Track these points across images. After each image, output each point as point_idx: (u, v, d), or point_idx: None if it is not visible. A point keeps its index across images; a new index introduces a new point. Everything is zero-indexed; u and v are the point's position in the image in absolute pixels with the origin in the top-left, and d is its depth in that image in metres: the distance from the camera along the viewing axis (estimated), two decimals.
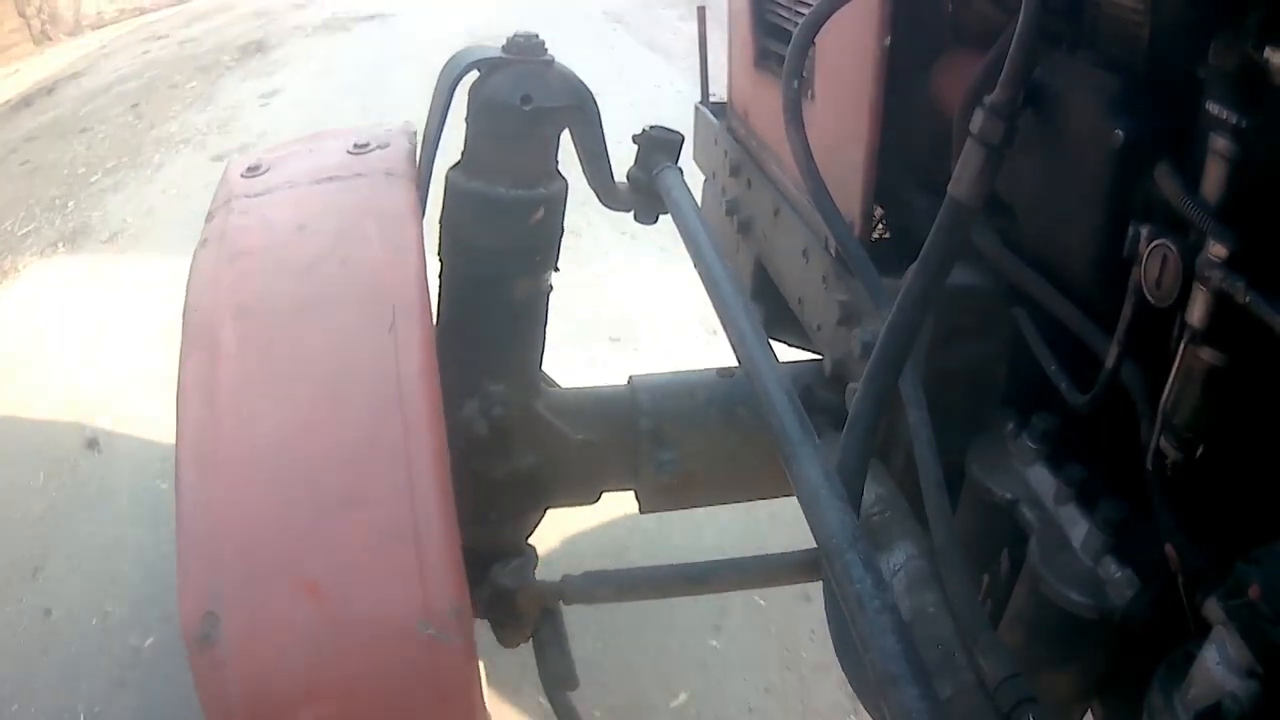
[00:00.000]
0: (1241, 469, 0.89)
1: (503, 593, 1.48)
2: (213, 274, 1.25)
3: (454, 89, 1.48)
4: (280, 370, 1.15)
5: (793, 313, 1.71)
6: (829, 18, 1.31)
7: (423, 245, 1.28)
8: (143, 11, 10.76)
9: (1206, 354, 0.83)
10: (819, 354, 1.62)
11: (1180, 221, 0.86)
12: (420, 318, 1.18)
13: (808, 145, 1.36)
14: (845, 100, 1.43)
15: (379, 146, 1.46)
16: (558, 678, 1.53)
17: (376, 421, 1.10)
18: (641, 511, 1.76)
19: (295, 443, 1.10)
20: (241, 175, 1.46)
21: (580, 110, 1.51)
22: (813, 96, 1.56)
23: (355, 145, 1.46)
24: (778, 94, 1.40)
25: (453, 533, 1.07)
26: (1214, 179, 0.82)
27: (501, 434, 1.53)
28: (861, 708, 1.09)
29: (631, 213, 1.71)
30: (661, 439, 1.65)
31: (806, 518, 0.90)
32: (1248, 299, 0.77)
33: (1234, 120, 0.79)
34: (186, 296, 1.22)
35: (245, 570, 1.03)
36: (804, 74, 1.51)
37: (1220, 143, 0.81)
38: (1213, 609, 0.76)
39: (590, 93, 1.52)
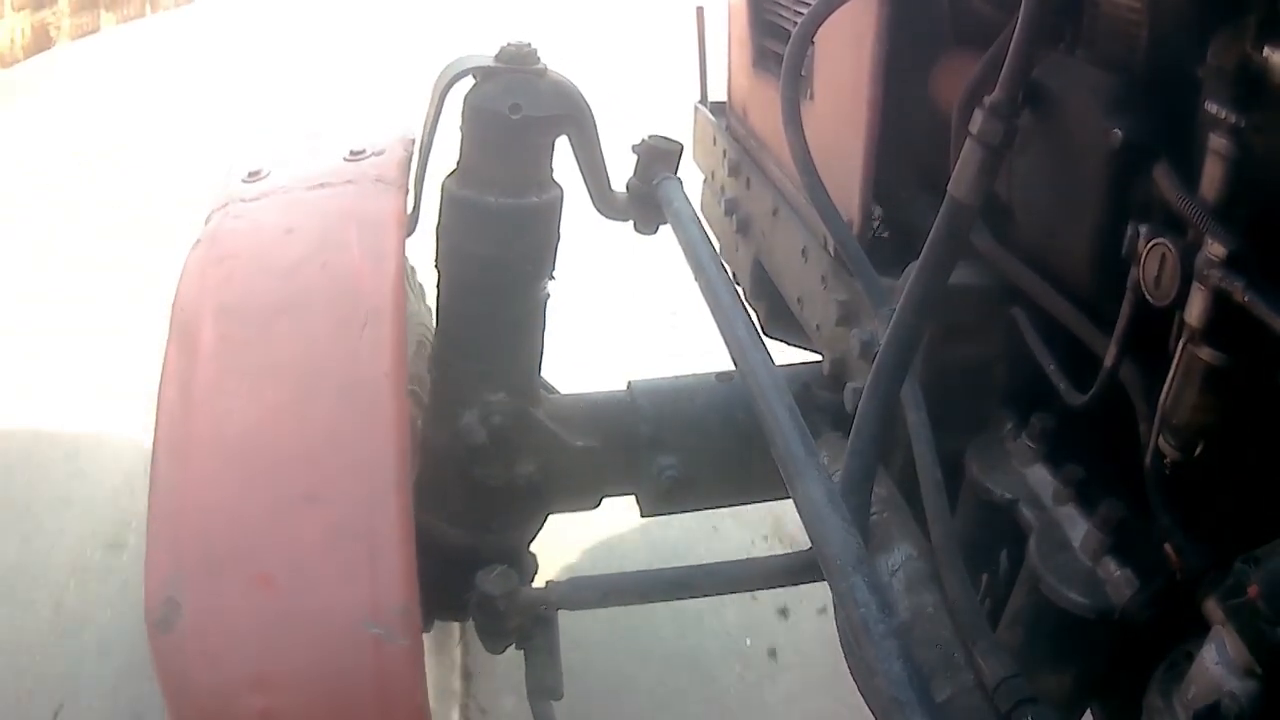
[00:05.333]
0: (1241, 468, 0.89)
1: (486, 599, 1.48)
2: (200, 274, 1.28)
3: (445, 97, 1.49)
4: (254, 369, 1.18)
5: (792, 312, 1.71)
6: (828, 17, 1.31)
7: (402, 251, 1.30)
8: None
9: (1205, 353, 0.83)
10: (818, 353, 1.62)
11: (1179, 220, 0.86)
12: (392, 322, 1.20)
13: (806, 145, 1.36)
14: (844, 100, 1.43)
15: (374, 154, 1.47)
16: (543, 687, 1.53)
17: (340, 421, 1.13)
18: (642, 516, 1.76)
19: (262, 439, 1.13)
20: (242, 180, 1.48)
21: (574, 119, 1.51)
22: (811, 96, 1.56)
23: (352, 152, 1.48)
24: (776, 93, 1.40)
25: (407, 534, 1.09)
26: (1212, 178, 0.82)
27: (501, 442, 1.54)
28: None
29: (630, 223, 1.70)
30: (661, 444, 1.65)
31: (810, 538, 0.89)
32: (1246, 298, 0.76)
33: (1232, 119, 0.79)
34: (175, 294, 1.25)
35: (206, 560, 1.06)
36: (803, 73, 1.51)
37: (1219, 142, 0.81)
38: (1212, 608, 0.76)
39: (586, 102, 1.52)
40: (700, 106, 2.27)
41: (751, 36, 1.90)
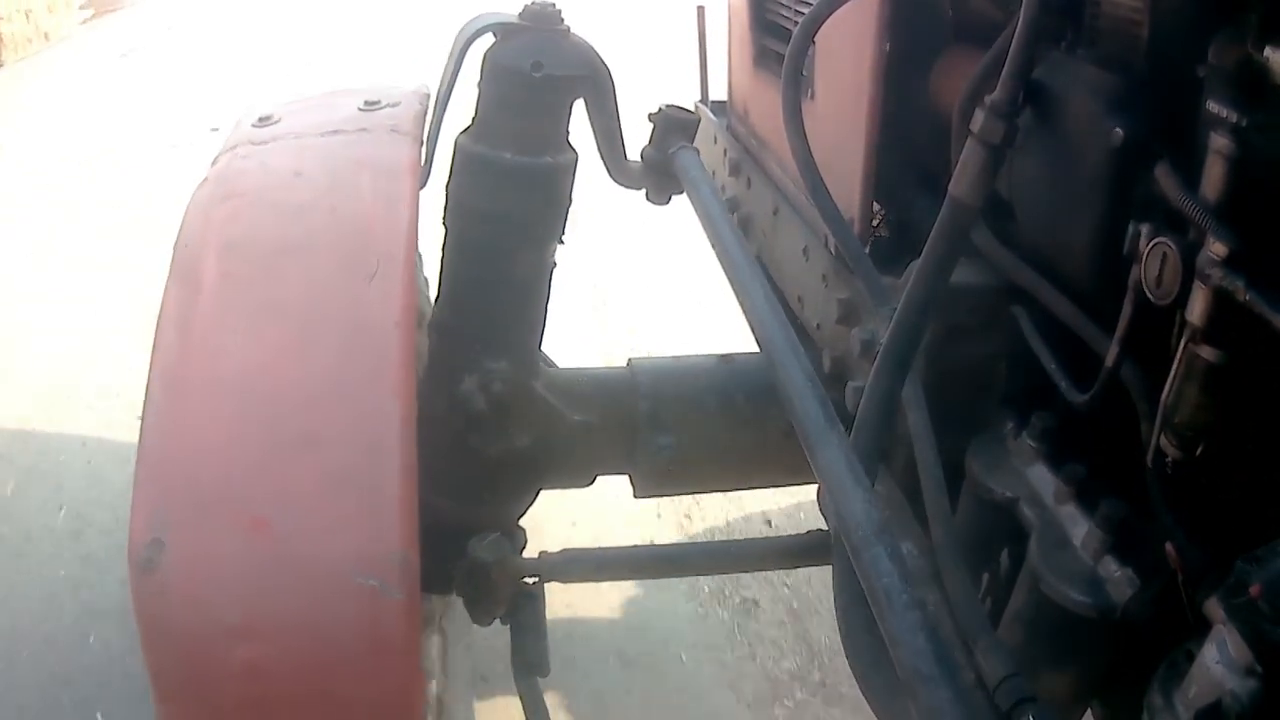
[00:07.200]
0: (1242, 467, 0.89)
1: (478, 566, 1.47)
2: (204, 212, 1.25)
3: (465, 51, 1.48)
4: (256, 308, 1.15)
5: (791, 311, 1.71)
6: (829, 17, 1.31)
7: (416, 202, 1.28)
8: None
9: (1207, 352, 0.83)
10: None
11: (1180, 220, 0.86)
12: (404, 270, 1.17)
13: (807, 144, 1.36)
14: (845, 99, 1.43)
15: (389, 105, 1.45)
16: (530, 664, 1.52)
17: (344, 366, 1.09)
18: (636, 496, 1.74)
19: (261, 380, 1.09)
20: (252, 124, 1.46)
21: (593, 81, 1.50)
22: (812, 95, 1.56)
23: (366, 102, 1.46)
24: (777, 93, 1.40)
25: (408, 484, 1.04)
26: (1214, 177, 0.82)
27: (499, 412, 1.51)
28: None
29: (643, 192, 1.69)
30: (659, 423, 1.63)
31: (831, 506, 0.88)
32: (1248, 297, 0.77)
33: (1234, 118, 0.79)
34: (179, 231, 1.23)
35: (195, 500, 1.02)
36: (804, 73, 1.51)
37: (1220, 141, 0.81)
38: (1213, 608, 0.76)
39: (606, 65, 1.51)
40: (701, 105, 2.27)
41: (752, 36, 1.90)
